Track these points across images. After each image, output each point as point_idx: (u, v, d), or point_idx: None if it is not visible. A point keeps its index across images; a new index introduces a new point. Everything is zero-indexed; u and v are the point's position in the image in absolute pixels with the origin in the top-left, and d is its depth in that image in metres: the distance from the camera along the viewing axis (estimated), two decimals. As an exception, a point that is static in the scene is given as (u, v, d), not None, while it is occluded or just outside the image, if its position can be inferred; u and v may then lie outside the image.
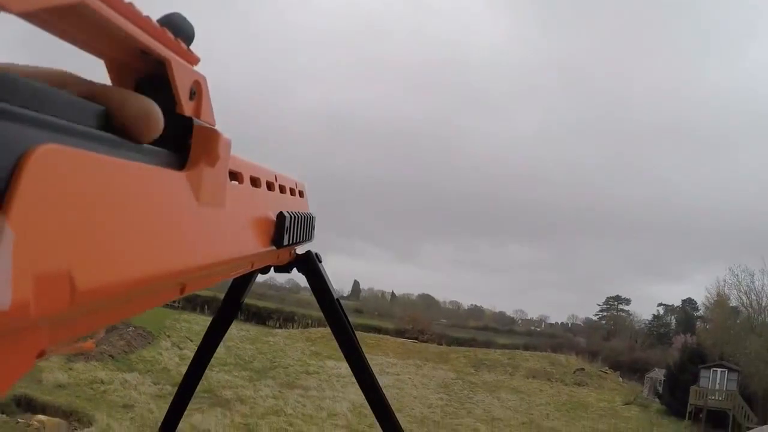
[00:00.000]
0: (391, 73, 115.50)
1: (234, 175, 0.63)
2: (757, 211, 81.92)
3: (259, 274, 1.05)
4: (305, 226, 0.92)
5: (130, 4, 0.41)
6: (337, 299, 1.08)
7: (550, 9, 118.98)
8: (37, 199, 0.28)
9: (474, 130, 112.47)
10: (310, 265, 1.05)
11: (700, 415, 29.63)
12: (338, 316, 1.07)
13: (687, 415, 30.15)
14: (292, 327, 42.31)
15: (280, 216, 0.77)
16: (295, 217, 0.83)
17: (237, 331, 32.70)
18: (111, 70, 0.50)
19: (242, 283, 1.13)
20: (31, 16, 0.33)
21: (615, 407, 32.43)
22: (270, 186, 0.78)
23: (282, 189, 0.84)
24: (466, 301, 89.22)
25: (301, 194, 0.97)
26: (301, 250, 1.03)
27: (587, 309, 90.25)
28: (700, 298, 59.55)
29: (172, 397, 1.20)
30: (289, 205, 0.85)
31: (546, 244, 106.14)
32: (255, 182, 0.70)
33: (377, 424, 1.08)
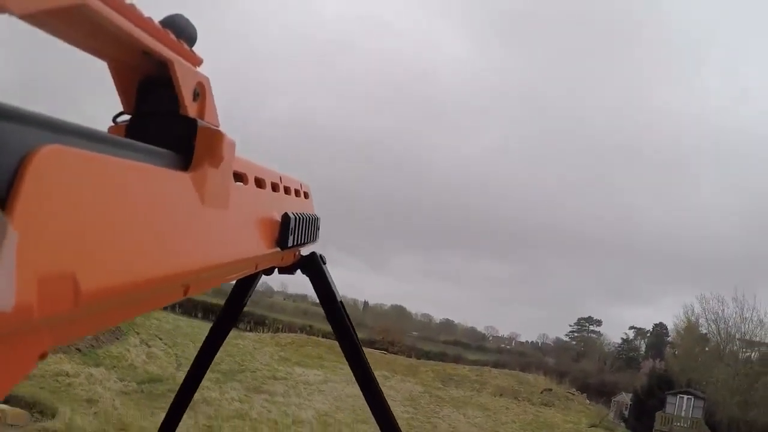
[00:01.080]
0: (356, 88, 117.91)
1: (239, 176, 0.63)
2: (721, 236, 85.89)
3: (264, 276, 1.05)
4: (310, 227, 0.92)
5: (132, 5, 0.41)
6: (340, 301, 1.08)
7: (509, 29, 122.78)
8: (40, 200, 0.28)
9: (438, 143, 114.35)
10: (314, 266, 1.06)
11: (665, 442, 29.66)
12: (341, 319, 1.07)
13: (652, 440, 30.16)
14: (263, 331, 41.98)
15: (285, 217, 0.78)
16: (299, 218, 0.83)
17: (207, 331, 32.41)
18: (114, 71, 0.51)
19: (246, 284, 1.13)
20: (32, 18, 0.33)
21: (580, 429, 32.41)
22: (275, 187, 0.78)
23: (287, 190, 0.84)
24: (437, 314, 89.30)
25: (306, 195, 0.97)
26: (305, 251, 1.03)
27: (557, 327, 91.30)
28: (654, 322, 60.38)
29: (171, 399, 1.21)
30: (293, 206, 0.85)
31: (515, 260, 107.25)
32: (260, 183, 0.71)
33: (376, 424, 1.11)
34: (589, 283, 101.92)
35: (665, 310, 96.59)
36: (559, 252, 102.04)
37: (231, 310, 1.16)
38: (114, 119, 0.53)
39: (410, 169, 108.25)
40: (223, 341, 1.20)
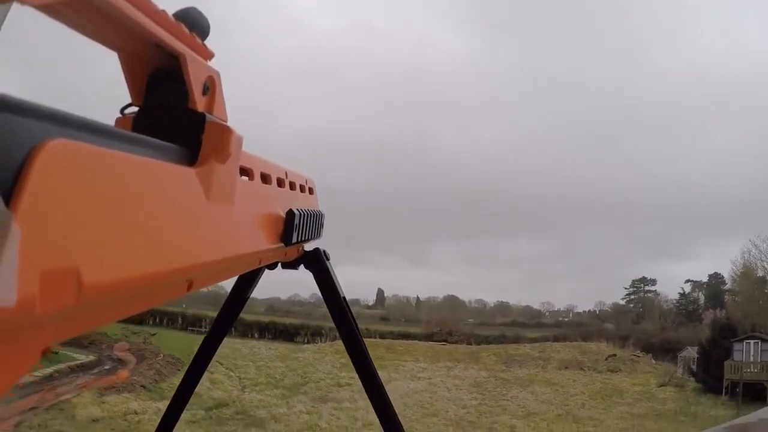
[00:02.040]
0: (359, 93, 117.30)
1: (245, 172, 0.64)
2: (744, 182, 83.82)
3: (267, 270, 1.05)
4: (314, 223, 0.92)
5: None
6: (343, 297, 1.08)
7: (498, 15, 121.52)
8: (45, 194, 0.28)
9: (450, 133, 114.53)
10: (318, 262, 1.06)
11: (737, 389, 29.28)
12: (344, 314, 1.07)
13: (723, 390, 29.81)
14: (320, 341, 42.10)
15: (290, 213, 0.78)
16: (304, 214, 0.83)
17: (266, 350, 32.82)
18: (124, 63, 0.50)
19: (248, 278, 1.13)
20: (47, 9, 0.34)
21: (650, 390, 32.17)
22: (280, 183, 0.78)
23: (292, 186, 0.85)
24: (485, 298, 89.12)
25: (311, 191, 0.97)
26: (309, 246, 1.04)
27: (611, 294, 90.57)
28: (708, 272, 59.74)
29: (172, 396, 1.22)
30: (298, 202, 0.85)
31: (551, 235, 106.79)
32: (265, 179, 0.71)
33: (378, 421, 1.10)
34: (629, 246, 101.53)
35: (714, 261, 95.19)
36: (590, 221, 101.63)
37: (233, 304, 1.15)
38: (122, 111, 0.53)
39: (427, 163, 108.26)
40: (226, 334, 1.20)
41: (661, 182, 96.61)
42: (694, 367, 34.08)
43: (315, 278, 1.06)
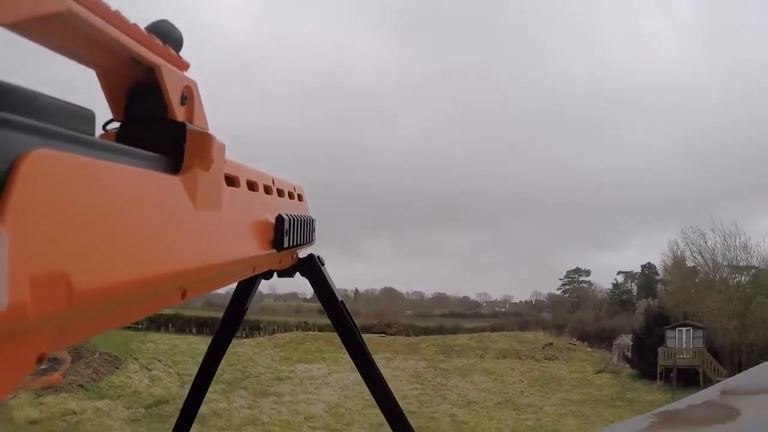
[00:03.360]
0: (282, 93, 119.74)
1: (230, 179, 0.63)
2: (667, 175, 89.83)
3: (263, 280, 1.04)
4: (305, 228, 0.90)
5: (117, 12, 0.41)
6: (341, 301, 1.06)
7: (411, 23, 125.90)
8: (30, 202, 0.29)
9: (372, 132, 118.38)
10: (313, 268, 1.04)
11: (671, 375, 30.07)
12: (343, 318, 1.05)
13: (658, 376, 30.63)
14: (259, 335, 42.01)
15: (279, 219, 0.77)
16: (294, 219, 0.82)
17: (204, 345, 32.15)
18: (102, 78, 0.51)
19: (245, 289, 1.11)
20: (17, 27, 0.33)
21: (587, 377, 32.82)
22: (267, 189, 0.78)
23: (280, 192, 0.84)
24: (423, 289, 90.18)
25: (300, 198, 0.98)
26: (303, 253, 1.02)
27: (542, 285, 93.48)
28: (641, 263, 61.61)
29: (177, 415, 1.18)
30: (288, 208, 0.84)
31: (480, 228, 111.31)
32: (252, 186, 0.71)
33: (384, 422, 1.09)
34: (560, 238, 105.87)
35: (644, 251, 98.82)
36: (518, 214, 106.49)
37: (232, 316, 1.14)
38: (104, 126, 0.52)
39: (351, 160, 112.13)
40: (226, 349, 1.19)
41: (582, 178, 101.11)
42: (629, 354, 34.85)
43: (311, 284, 1.05)
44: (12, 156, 0.29)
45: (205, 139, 0.52)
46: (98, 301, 0.34)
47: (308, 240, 0.93)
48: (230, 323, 1.15)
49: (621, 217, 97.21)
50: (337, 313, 1.05)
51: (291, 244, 0.81)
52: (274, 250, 0.76)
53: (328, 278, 1.06)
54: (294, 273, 1.03)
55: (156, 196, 0.44)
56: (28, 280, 0.28)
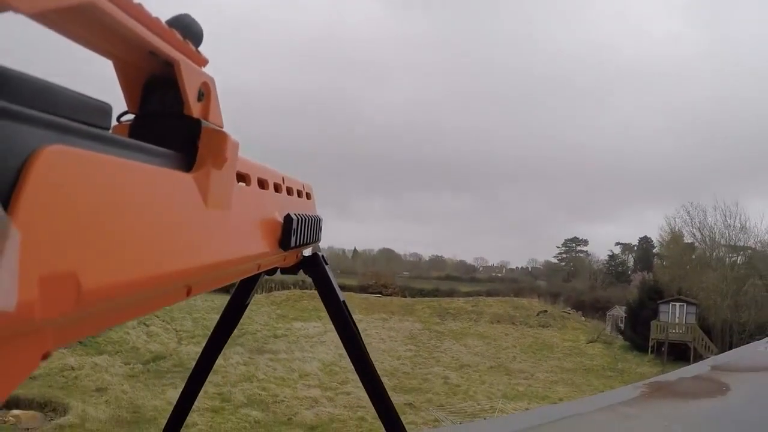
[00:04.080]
0: (280, 57, 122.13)
1: (241, 177, 0.63)
2: (661, 151, 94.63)
3: (266, 275, 1.04)
4: (312, 228, 0.91)
5: (140, 5, 0.41)
6: (343, 301, 1.06)
7: None
8: (43, 200, 0.28)
9: (370, 95, 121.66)
10: (317, 267, 1.04)
11: (662, 348, 30.47)
12: (344, 318, 1.05)
13: (649, 349, 31.10)
14: (257, 292, 41.74)
15: (288, 218, 0.77)
16: (302, 219, 0.82)
17: (202, 302, 32.55)
18: (119, 71, 0.50)
19: (248, 284, 1.12)
20: (40, 17, 0.33)
21: (579, 346, 33.20)
22: (277, 188, 0.78)
23: (289, 191, 0.84)
24: (420, 251, 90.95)
25: (308, 196, 0.97)
26: (307, 251, 1.02)
27: (537, 253, 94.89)
28: (638, 236, 61.93)
29: (179, 396, 1.17)
30: (296, 206, 0.85)
31: (476, 193, 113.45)
32: (262, 184, 0.71)
33: (376, 417, 1.07)
34: (554, 207, 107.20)
35: (642, 225, 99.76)
36: (514, 182, 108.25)
37: (233, 311, 1.15)
38: (118, 118, 0.53)
39: (344, 121, 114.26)
40: (225, 343, 1.19)
41: (578, 150, 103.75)
42: (621, 325, 35.29)
43: (314, 283, 1.05)
44: (26, 152, 0.28)
45: (220, 137, 0.53)
46: (105, 300, 0.34)
47: (314, 239, 0.94)
48: (231, 317, 1.16)
49: (619, 190, 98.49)
50: (338, 312, 1.05)
51: (297, 244, 0.82)
52: (281, 250, 0.76)
53: (331, 277, 1.06)
54: (297, 270, 1.03)
55: (168, 194, 0.44)
56: (38, 280, 0.28)
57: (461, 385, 23.77)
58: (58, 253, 0.30)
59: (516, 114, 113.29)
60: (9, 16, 0.27)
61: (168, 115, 0.52)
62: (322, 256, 1.05)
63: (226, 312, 1.15)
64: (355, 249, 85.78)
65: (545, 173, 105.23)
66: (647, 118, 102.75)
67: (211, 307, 32.82)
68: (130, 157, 0.40)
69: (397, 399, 20.48)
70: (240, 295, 1.13)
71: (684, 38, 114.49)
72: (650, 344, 31.16)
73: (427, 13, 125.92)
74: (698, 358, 26.76)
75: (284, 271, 0.99)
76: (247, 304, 1.15)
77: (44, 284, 0.28)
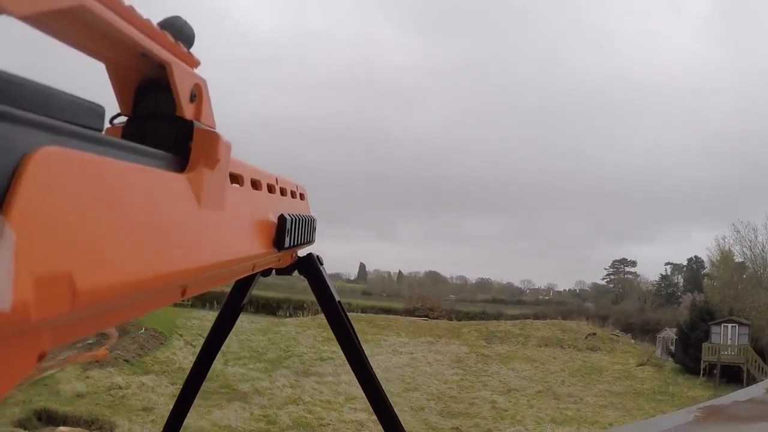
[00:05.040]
0: (310, 84, 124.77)
1: (235, 178, 0.64)
2: (698, 172, 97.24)
3: (262, 277, 1.04)
4: (306, 228, 0.91)
5: (131, 7, 0.41)
6: (338, 301, 1.06)
7: (434, 20, 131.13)
8: (38, 201, 0.29)
9: (394, 122, 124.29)
10: (311, 267, 1.05)
11: (714, 371, 29.81)
12: (340, 318, 1.06)
13: (701, 371, 30.37)
14: (302, 315, 41.95)
15: (281, 218, 0.77)
16: (296, 219, 0.83)
17: (249, 323, 32.79)
18: (112, 73, 0.50)
19: (244, 286, 1.12)
20: (31, 19, 0.33)
21: (629, 369, 32.64)
22: (271, 189, 0.79)
23: (283, 192, 0.85)
24: (466, 274, 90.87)
25: (302, 197, 0.98)
26: (302, 252, 1.03)
27: (586, 275, 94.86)
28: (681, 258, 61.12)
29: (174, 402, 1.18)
30: (290, 207, 0.85)
31: (514, 216, 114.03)
32: (256, 185, 0.72)
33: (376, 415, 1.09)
34: (601, 228, 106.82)
35: (687, 245, 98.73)
36: (552, 205, 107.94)
37: (230, 312, 1.15)
38: (111, 121, 0.53)
39: (377, 146, 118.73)
40: (222, 343, 1.18)
41: (609, 170, 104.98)
42: (672, 347, 34.59)
43: (309, 283, 1.06)
44: (19, 153, 0.28)
45: (212, 137, 0.53)
46: (101, 301, 0.34)
47: (308, 240, 0.94)
48: (227, 320, 1.16)
49: (665, 210, 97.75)
50: (334, 312, 1.05)
51: (292, 244, 0.82)
52: (275, 250, 0.76)
53: (326, 277, 1.06)
54: (293, 271, 1.03)
55: (162, 195, 0.44)
56: (33, 281, 0.28)
57: (509, 409, 23.59)
58: (54, 253, 0.30)
59: (541, 138, 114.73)
60: (0, 19, 0.27)
61: (160, 117, 0.52)
62: (318, 256, 1.06)
63: (222, 314, 1.15)
64: (400, 272, 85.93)
65: (589, 194, 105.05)
66: (683, 137, 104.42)
67: (257, 329, 33.09)
68: (124, 158, 0.40)
69: (443, 423, 20.46)
70: (235, 296, 1.13)
71: (710, 56, 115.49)
72: (702, 367, 30.45)
73: (452, 41, 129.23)
74: (751, 380, 26.22)
75: (279, 271, 1.01)
76: (243, 306, 1.15)
77: (40, 285, 0.28)
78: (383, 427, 1.08)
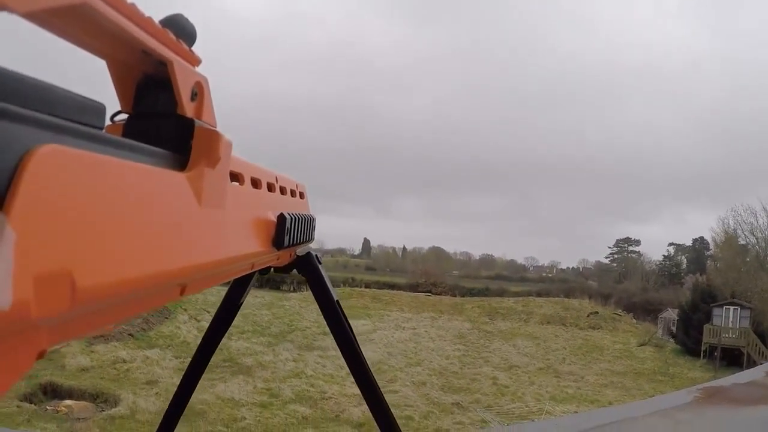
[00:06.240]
0: (301, 64, 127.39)
1: (235, 176, 0.64)
2: (690, 150, 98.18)
3: (260, 275, 1.04)
4: (306, 227, 0.91)
5: (133, 4, 0.41)
6: (337, 300, 1.06)
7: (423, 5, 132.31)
8: (38, 199, 0.28)
9: (387, 102, 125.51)
10: (310, 266, 1.05)
11: (715, 353, 29.96)
12: (338, 317, 1.06)
13: (701, 353, 30.60)
14: (306, 290, 41.10)
15: (281, 217, 0.77)
16: (295, 218, 0.82)
17: (252, 298, 32.86)
18: (112, 70, 0.50)
19: (242, 284, 1.13)
20: (33, 17, 0.33)
21: (630, 349, 32.85)
22: (270, 187, 0.78)
23: (282, 190, 0.85)
24: (470, 250, 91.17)
25: (301, 196, 0.98)
26: (301, 250, 1.03)
27: (583, 253, 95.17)
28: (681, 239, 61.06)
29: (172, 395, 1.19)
30: (289, 206, 0.85)
31: (512, 194, 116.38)
32: (256, 183, 0.71)
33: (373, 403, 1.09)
34: (605, 206, 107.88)
35: (693, 226, 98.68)
36: (549, 184, 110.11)
37: (227, 310, 1.15)
38: (111, 118, 0.53)
39: (369, 126, 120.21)
40: (220, 341, 1.19)
41: (601, 150, 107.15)
42: (673, 328, 34.72)
43: (308, 282, 1.06)
44: (20, 151, 0.28)
45: (213, 136, 0.53)
46: (100, 299, 0.34)
47: (308, 238, 0.94)
48: (225, 317, 1.16)
49: (669, 190, 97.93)
50: (332, 312, 1.05)
51: (291, 243, 0.81)
52: (274, 249, 0.76)
53: (324, 276, 1.06)
54: (291, 270, 1.03)
55: (162, 194, 0.44)
56: (33, 279, 0.28)
57: (510, 386, 23.75)
58: (53, 252, 0.29)
59: (538, 118, 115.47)
60: (2, 15, 0.27)
61: (161, 115, 0.52)
62: (316, 255, 1.06)
63: (220, 311, 1.16)
64: (404, 247, 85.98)
65: (593, 173, 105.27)
66: (688, 119, 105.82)
67: (261, 303, 33.32)
68: (124, 156, 0.40)
69: (445, 399, 20.57)
70: (234, 295, 1.14)
71: (698, 36, 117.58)
72: (702, 348, 30.65)
73: (442, 22, 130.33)
74: (752, 363, 26.28)
75: (278, 270, 1.01)
76: (241, 303, 1.15)
77: (39, 283, 0.28)
78: (380, 429, 1.09)
